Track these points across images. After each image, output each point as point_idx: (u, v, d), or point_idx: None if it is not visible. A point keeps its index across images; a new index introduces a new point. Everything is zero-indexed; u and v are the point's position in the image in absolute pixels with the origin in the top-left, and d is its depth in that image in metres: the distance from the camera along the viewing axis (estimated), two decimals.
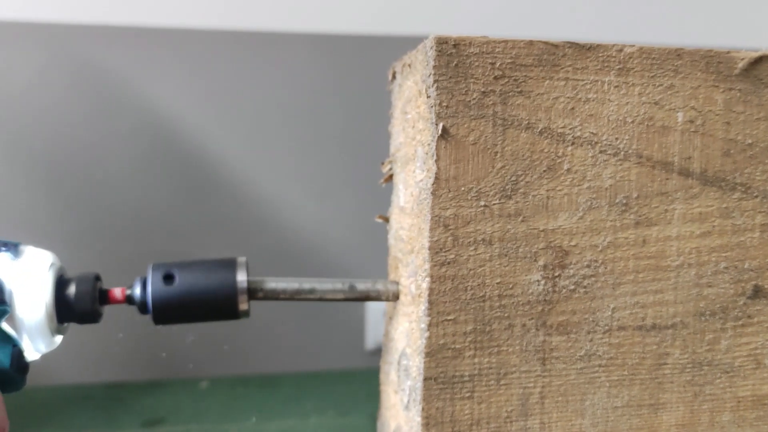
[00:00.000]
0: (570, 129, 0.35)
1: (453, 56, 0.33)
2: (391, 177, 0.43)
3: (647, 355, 0.38)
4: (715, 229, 0.38)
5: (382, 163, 0.43)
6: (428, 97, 0.34)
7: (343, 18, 1.18)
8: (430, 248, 0.34)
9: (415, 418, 0.36)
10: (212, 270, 0.37)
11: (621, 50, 0.35)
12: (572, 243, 0.36)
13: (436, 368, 0.35)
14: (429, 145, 0.34)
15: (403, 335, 0.39)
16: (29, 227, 1.13)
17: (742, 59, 0.36)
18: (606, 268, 0.37)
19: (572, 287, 0.36)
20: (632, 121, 0.36)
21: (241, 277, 0.37)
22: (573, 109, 0.35)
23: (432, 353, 0.35)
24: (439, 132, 0.34)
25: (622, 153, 0.36)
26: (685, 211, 0.37)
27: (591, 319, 0.37)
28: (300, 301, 0.39)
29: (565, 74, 0.35)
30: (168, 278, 0.37)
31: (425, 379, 0.35)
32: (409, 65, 0.38)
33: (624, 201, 0.36)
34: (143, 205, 1.18)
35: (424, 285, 0.35)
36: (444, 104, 0.34)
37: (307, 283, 0.38)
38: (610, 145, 0.36)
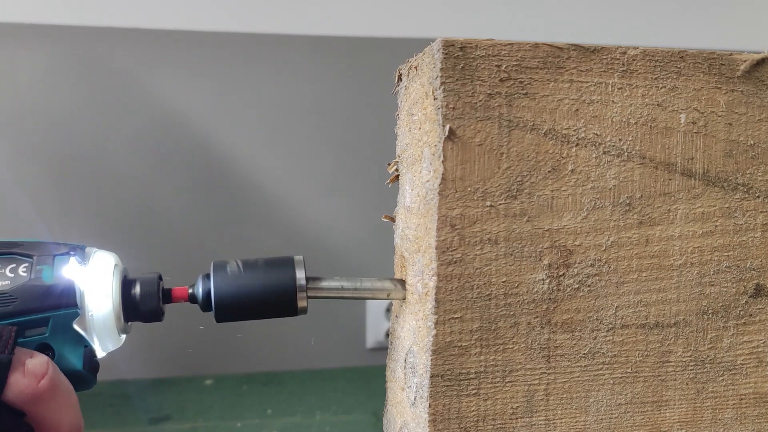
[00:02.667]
0: (574, 130, 0.36)
1: (460, 59, 0.34)
2: (397, 177, 0.43)
3: (650, 353, 0.38)
4: (717, 228, 0.38)
5: (389, 164, 0.44)
6: (435, 99, 0.35)
7: (349, 21, 1.18)
8: (437, 247, 0.35)
9: (422, 415, 0.37)
10: (272, 268, 0.38)
11: (625, 52, 0.36)
12: (576, 242, 0.37)
13: (442, 365, 0.36)
14: (436, 146, 0.35)
15: (409, 333, 0.40)
16: (33, 223, 1.14)
17: (745, 61, 0.37)
18: (610, 267, 0.37)
19: (576, 286, 0.37)
20: (635, 123, 0.36)
21: (300, 275, 0.38)
22: (577, 110, 0.36)
23: (439, 351, 0.36)
24: (446, 133, 0.34)
25: (626, 154, 0.37)
26: (688, 211, 0.38)
27: (595, 317, 0.37)
28: (349, 300, 0.40)
29: (569, 76, 0.35)
30: (230, 277, 0.37)
31: (432, 376, 0.36)
32: (416, 67, 0.38)
33: (627, 201, 0.37)
34: (151, 203, 1.19)
35: (431, 283, 0.36)
36: (451, 106, 0.34)
37: (359, 282, 0.39)
38: (613, 146, 0.36)
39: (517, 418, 0.37)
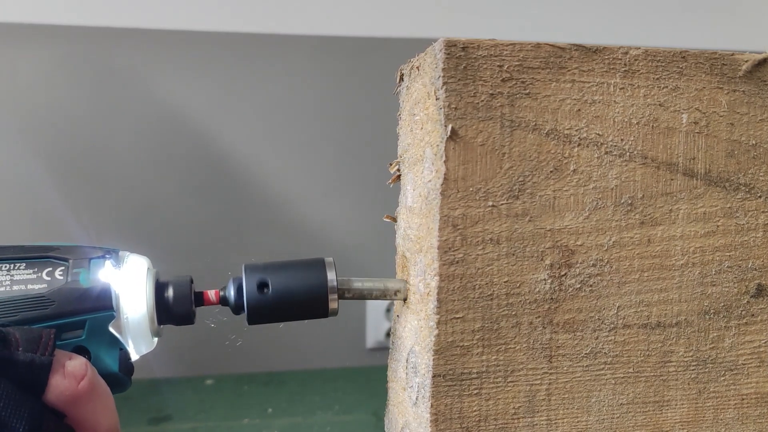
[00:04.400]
0: (576, 130, 0.36)
1: (462, 59, 0.34)
2: (398, 177, 0.43)
3: (652, 353, 0.38)
4: (719, 228, 0.38)
5: (390, 164, 0.44)
6: (437, 99, 0.35)
7: (349, 21, 1.18)
8: (439, 247, 0.35)
9: (424, 415, 0.37)
10: (303, 270, 0.38)
11: (627, 53, 0.36)
12: (578, 242, 0.37)
13: (444, 365, 0.36)
14: (438, 146, 0.35)
15: (411, 333, 0.40)
16: (34, 222, 1.14)
17: (746, 61, 0.37)
18: (611, 267, 0.37)
19: (578, 286, 0.37)
20: (637, 123, 0.36)
21: (331, 276, 0.38)
22: (579, 110, 0.36)
23: (441, 350, 0.36)
24: (448, 133, 0.34)
25: (628, 154, 0.37)
26: (690, 211, 0.38)
27: (597, 317, 0.37)
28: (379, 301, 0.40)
29: (571, 76, 0.35)
30: (262, 282, 0.38)
31: (434, 376, 0.36)
32: (418, 68, 0.38)
33: (629, 201, 0.37)
34: (150, 203, 1.19)
35: (433, 283, 0.36)
36: (453, 106, 0.34)
37: (384, 283, 0.40)
38: (615, 146, 0.36)
39: (518, 418, 0.37)
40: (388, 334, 1.34)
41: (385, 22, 1.17)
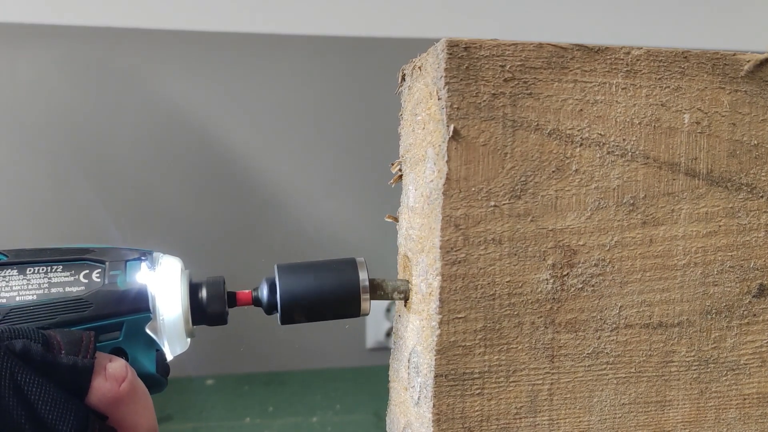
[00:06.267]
0: (578, 130, 0.36)
1: (464, 59, 0.34)
2: (400, 177, 0.43)
3: (654, 353, 0.38)
4: (720, 228, 0.38)
5: (392, 164, 0.44)
6: (439, 99, 0.35)
7: (349, 21, 1.18)
8: (441, 247, 0.35)
9: (426, 415, 0.37)
10: (336, 270, 0.38)
11: (629, 53, 0.36)
12: (580, 242, 0.37)
13: (446, 365, 0.36)
14: (440, 146, 0.35)
15: (413, 333, 0.40)
16: (34, 222, 1.14)
17: (748, 61, 0.37)
18: (613, 267, 0.37)
19: (580, 286, 0.37)
20: (639, 123, 0.36)
21: (363, 276, 0.38)
22: (581, 110, 0.36)
23: (443, 350, 0.36)
24: (450, 133, 0.34)
25: (630, 154, 0.37)
26: (692, 211, 0.38)
27: (599, 317, 0.37)
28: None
29: (573, 76, 0.36)
30: (296, 281, 0.38)
31: (436, 376, 0.36)
32: (420, 68, 0.38)
33: (631, 201, 0.37)
34: (150, 202, 1.19)
35: (435, 283, 0.36)
36: (455, 106, 0.34)
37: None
38: (617, 146, 0.36)
39: (520, 418, 0.37)
40: (388, 334, 1.34)
41: (385, 22, 1.17)
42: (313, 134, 1.19)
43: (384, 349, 1.25)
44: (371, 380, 1.05)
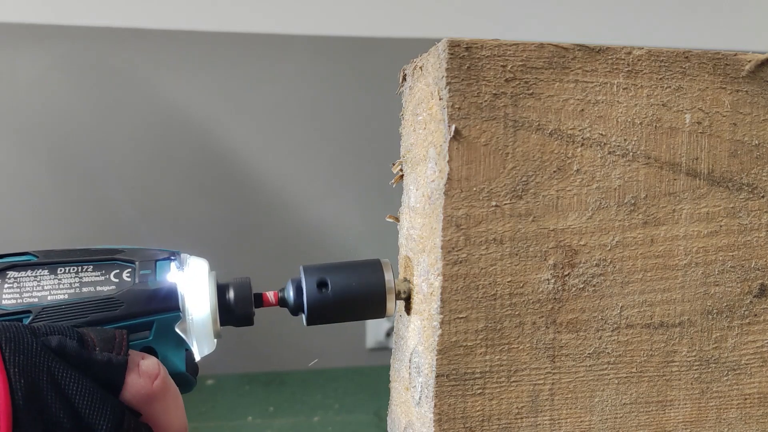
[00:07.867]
0: (579, 130, 0.36)
1: (465, 59, 0.34)
2: (401, 177, 0.43)
3: (655, 353, 0.38)
4: (722, 228, 0.38)
5: (393, 164, 0.44)
6: (440, 99, 0.35)
7: (349, 21, 1.18)
8: (442, 247, 0.35)
9: (427, 414, 0.37)
10: (361, 271, 0.39)
11: (630, 53, 0.36)
12: (581, 242, 0.37)
13: (448, 365, 0.36)
14: (441, 146, 0.35)
15: (414, 333, 0.40)
16: (34, 222, 1.14)
17: (749, 61, 0.37)
18: (615, 267, 0.37)
19: (581, 286, 0.37)
20: (641, 123, 0.36)
21: (389, 277, 0.39)
22: (582, 110, 0.36)
23: (444, 350, 0.36)
24: (452, 133, 0.34)
25: (631, 154, 0.37)
26: (693, 211, 0.38)
27: (600, 317, 0.38)
28: None
29: (574, 76, 0.36)
30: (322, 282, 0.38)
31: (437, 376, 0.36)
32: (421, 68, 0.38)
33: (632, 201, 0.37)
34: (150, 203, 1.19)
35: (437, 283, 0.36)
36: (456, 106, 0.34)
37: None
38: (618, 146, 0.36)
39: (522, 418, 0.37)
40: (388, 334, 1.34)
41: (385, 22, 1.17)
42: (314, 134, 1.19)
43: (384, 349, 1.25)
44: (371, 380, 1.05)
